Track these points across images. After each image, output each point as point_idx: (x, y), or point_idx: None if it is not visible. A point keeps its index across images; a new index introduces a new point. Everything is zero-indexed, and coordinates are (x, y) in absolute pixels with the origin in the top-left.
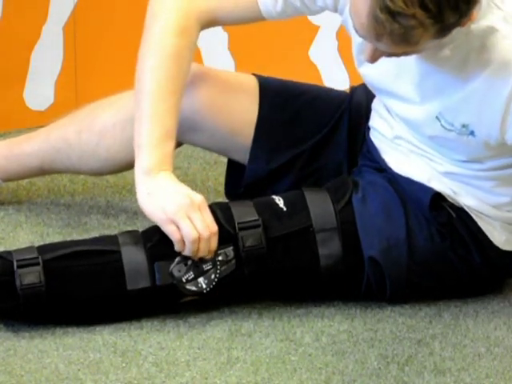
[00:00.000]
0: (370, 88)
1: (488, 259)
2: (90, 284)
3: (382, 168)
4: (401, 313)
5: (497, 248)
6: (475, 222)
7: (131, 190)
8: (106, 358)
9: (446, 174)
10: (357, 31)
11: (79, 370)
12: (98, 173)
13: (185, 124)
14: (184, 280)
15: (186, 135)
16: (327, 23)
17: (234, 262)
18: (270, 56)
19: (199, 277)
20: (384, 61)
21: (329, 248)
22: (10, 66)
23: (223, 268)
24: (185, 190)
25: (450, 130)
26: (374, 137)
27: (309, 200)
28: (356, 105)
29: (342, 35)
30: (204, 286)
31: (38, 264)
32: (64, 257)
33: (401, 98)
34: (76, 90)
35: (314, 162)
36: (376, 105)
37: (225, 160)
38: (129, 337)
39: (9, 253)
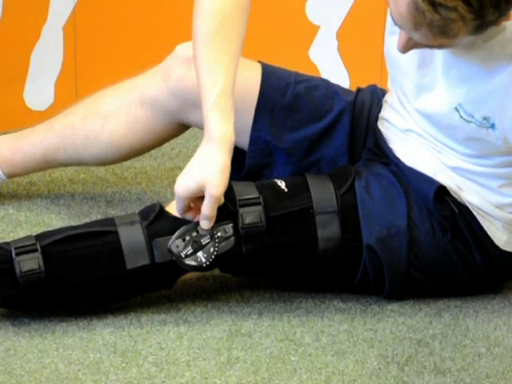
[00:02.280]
0: (391, 64)
1: (488, 259)
2: (90, 266)
3: (387, 162)
4: (401, 313)
5: (498, 248)
6: (477, 219)
7: (131, 190)
8: (106, 358)
9: (455, 168)
10: (394, 19)
11: (79, 370)
12: (101, 160)
13: (187, 101)
14: (183, 255)
15: (188, 113)
16: (327, 23)
17: (232, 239)
18: (270, 56)
19: (198, 251)
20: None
21: (328, 231)
22: (10, 65)
23: (222, 244)
24: (184, 175)
25: (469, 122)
26: (384, 127)
27: (311, 184)
28: (360, 101)
29: (342, 35)
30: (203, 260)
31: (36, 250)
32: (61, 241)
33: (422, 86)
34: (76, 89)
35: (314, 151)
36: (388, 97)
37: None
38: (129, 337)
39: (7, 243)
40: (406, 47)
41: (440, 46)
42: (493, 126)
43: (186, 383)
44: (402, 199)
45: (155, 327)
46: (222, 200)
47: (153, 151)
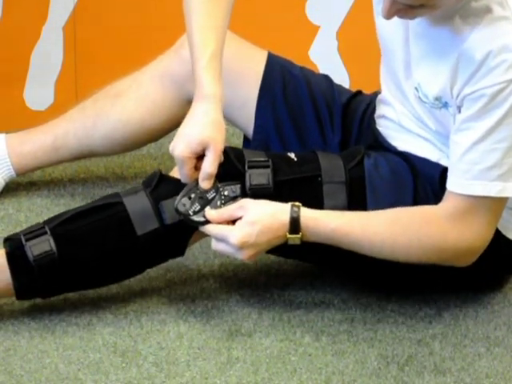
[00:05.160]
0: (383, 46)
1: (494, 246)
2: (101, 239)
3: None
4: (401, 313)
5: (503, 236)
6: None
7: None
8: (106, 358)
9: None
10: None
11: (79, 370)
12: (110, 141)
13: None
14: (191, 213)
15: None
16: (327, 23)
17: (239, 199)
18: None
19: (205, 206)
20: (397, 19)
21: (335, 200)
22: (10, 65)
23: (228, 204)
24: (181, 137)
25: (424, 102)
26: (382, 126)
27: (320, 157)
28: (354, 104)
29: (342, 35)
30: None
31: (45, 233)
32: (69, 220)
33: (407, 63)
34: (76, 89)
35: (308, 145)
36: (380, 96)
37: None
38: (129, 337)
39: (16, 233)
40: (390, 12)
41: (422, 6)
42: (446, 105)
43: (185, 383)
44: (410, 179)
45: (155, 327)
46: (222, 158)
47: (152, 151)
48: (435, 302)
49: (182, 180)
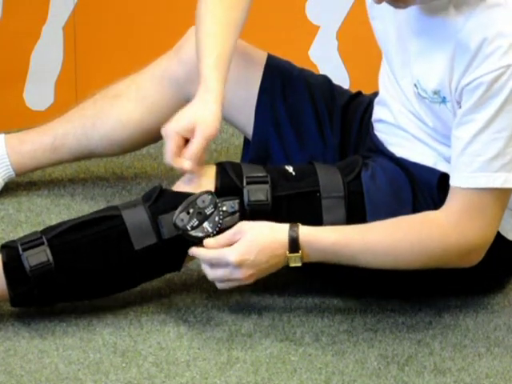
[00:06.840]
0: (381, 48)
1: (492, 248)
2: (98, 252)
3: (390, 158)
4: (401, 313)
5: (503, 237)
6: None
7: (131, 190)
8: (106, 358)
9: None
10: None
11: (79, 370)
12: (109, 142)
13: (194, 69)
14: (189, 228)
15: (195, 85)
16: (327, 23)
17: (237, 215)
18: None
19: (204, 222)
20: (388, 20)
21: (333, 215)
22: (10, 65)
23: (226, 219)
24: (174, 122)
25: (424, 98)
26: (378, 130)
27: (318, 170)
28: (354, 105)
29: (342, 35)
30: (210, 230)
31: (42, 243)
32: (67, 231)
33: (403, 62)
34: (76, 90)
35: (308, 147)
36: (377, 98)
37: None
38: (129, 337)
39: (13, 241)
40: None
41: None
42: (444, 100)
43: (185, 383)
44: (408, 188)
45: (155, 327)
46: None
47: (152, 151)
48: (435, 302)
49: (165, 158)
